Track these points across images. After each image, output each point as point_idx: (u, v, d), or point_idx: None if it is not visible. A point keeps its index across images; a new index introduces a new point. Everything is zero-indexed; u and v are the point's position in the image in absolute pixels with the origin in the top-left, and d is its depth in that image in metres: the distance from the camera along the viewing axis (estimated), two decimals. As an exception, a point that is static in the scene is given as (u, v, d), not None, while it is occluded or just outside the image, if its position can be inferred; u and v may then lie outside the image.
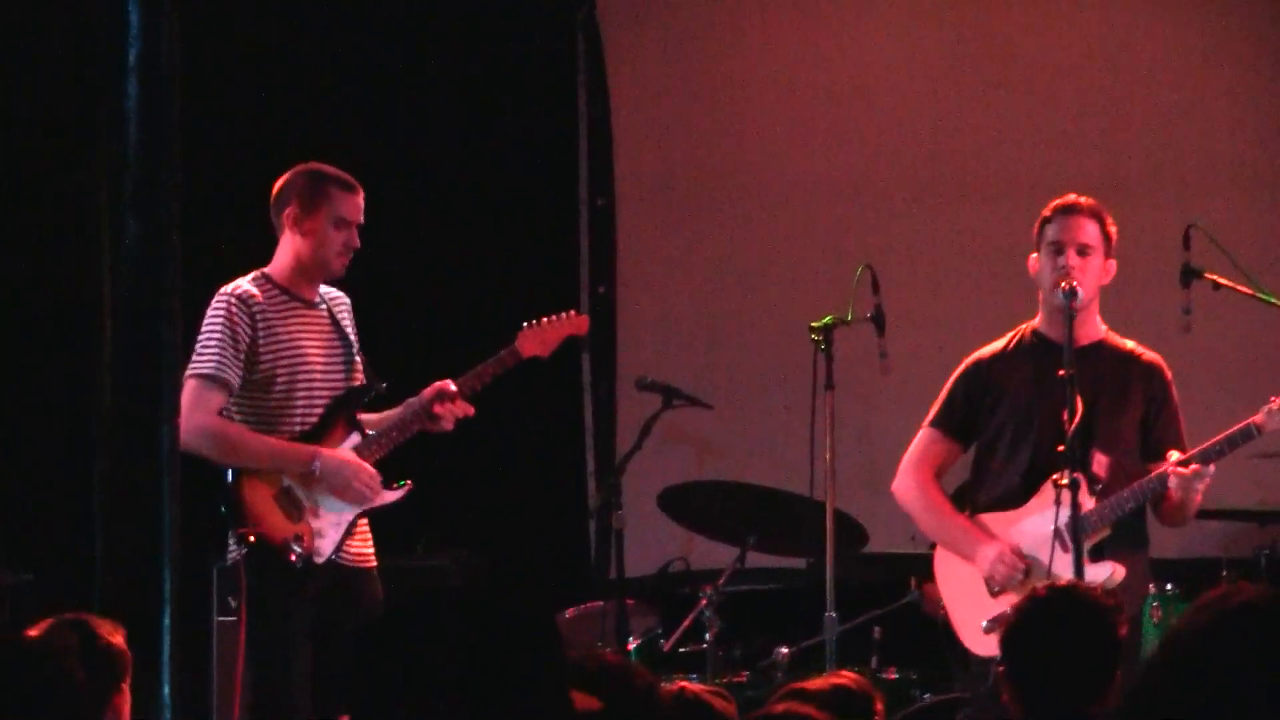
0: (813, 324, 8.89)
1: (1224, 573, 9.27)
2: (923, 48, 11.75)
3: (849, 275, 9.02)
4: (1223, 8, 11.61)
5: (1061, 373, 8.19)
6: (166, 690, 7.27)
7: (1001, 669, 5.24)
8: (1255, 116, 11.46)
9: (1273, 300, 8.55)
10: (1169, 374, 8.46)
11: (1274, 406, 8.08)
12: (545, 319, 9.02)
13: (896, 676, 9.08)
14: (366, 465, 8.57)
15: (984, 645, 8.02)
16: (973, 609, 8.29)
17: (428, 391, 8.65)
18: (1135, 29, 11.61)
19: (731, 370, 10.81)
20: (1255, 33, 11.55)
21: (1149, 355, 8.45)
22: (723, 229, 11.72)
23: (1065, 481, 8.04)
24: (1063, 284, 8.22)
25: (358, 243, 8.68)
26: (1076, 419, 8.12)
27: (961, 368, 8.58)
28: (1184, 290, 8.62)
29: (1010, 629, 5.23)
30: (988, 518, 8.44)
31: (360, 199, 8.69)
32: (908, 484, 8.62)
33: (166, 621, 7.29)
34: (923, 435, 8.60)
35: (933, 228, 11.21)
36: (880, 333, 8.83)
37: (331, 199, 8.62)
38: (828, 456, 8.83)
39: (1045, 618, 4.93)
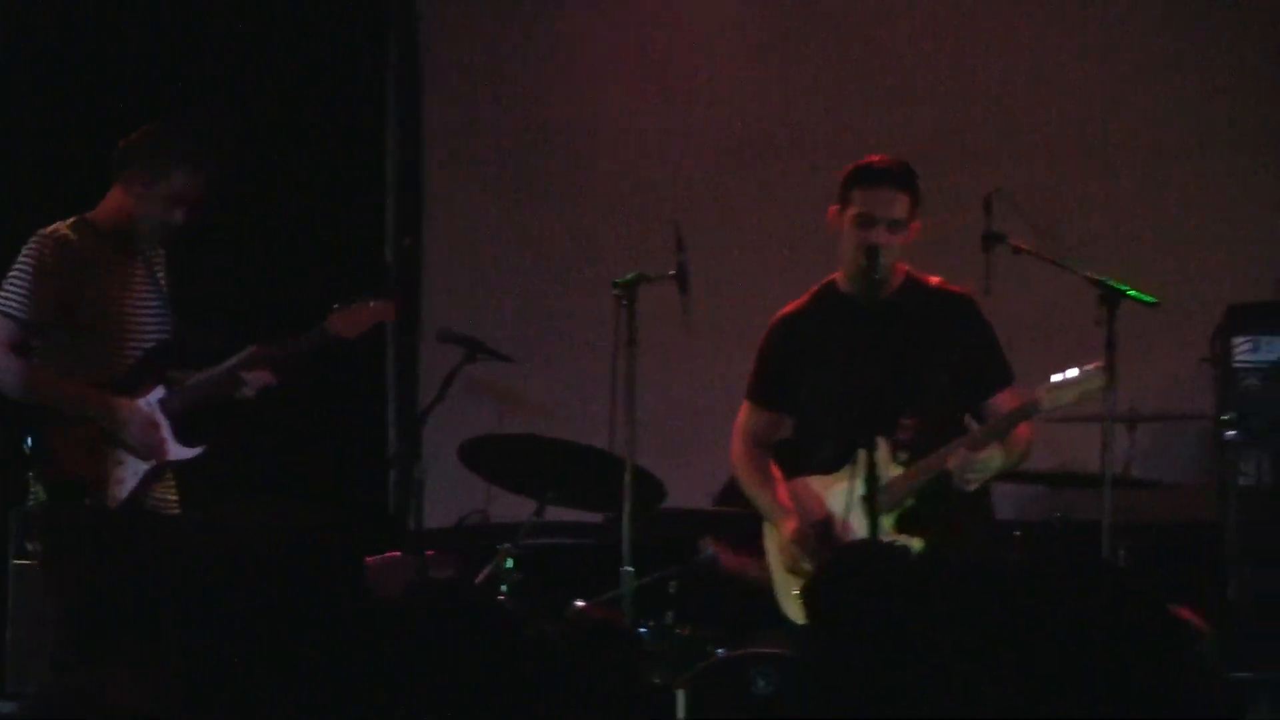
0: (616, 280, 8.89)
1: (1017, 534, 9.30)
2: (733, 13, 11.76)
3: (656, 233, 9.03)
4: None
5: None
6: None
7: None
8: (1056, 89, 11.57)
9: (1069, 265, 8.60)
10: (978, 306, 8.47)
11: (1053, 383, 8.11)
12: (356, 304, 9.00)
13: (691, 633, 9.07)
14: (154, 420, 8.53)
15: (797, 612, 8.08)
16: (787, 576, 8.32)
17: (240, 357, 8.62)
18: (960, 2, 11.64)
19: (536, 325, 10.83)
20: (1055, 7, 11.60)
21: (956, 291, 8.46)
22: (532, 185, 11.75)
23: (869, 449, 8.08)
24: (864, 261, 8.27)
25: (185, 218, 8.64)
26: (877, 382, 8.19)
27: (766, 333, 8.59)
28: (985, 254, 8.66)
29: (806, 588, 5.26)
30: (810, 480, 8.45)
31: (203, 178, 8.66)
32: (732, 457, 8.73)
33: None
34: (742, 408, 8.66)
35: (739, 188, 11.23)
36: (683, 291, 8.81)
37: (172, 180, 8.59)
38: (628, 413, 8.83)
39: (834, 575, 4.94)
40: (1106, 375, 8.15)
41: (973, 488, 8.20)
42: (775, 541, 8.51)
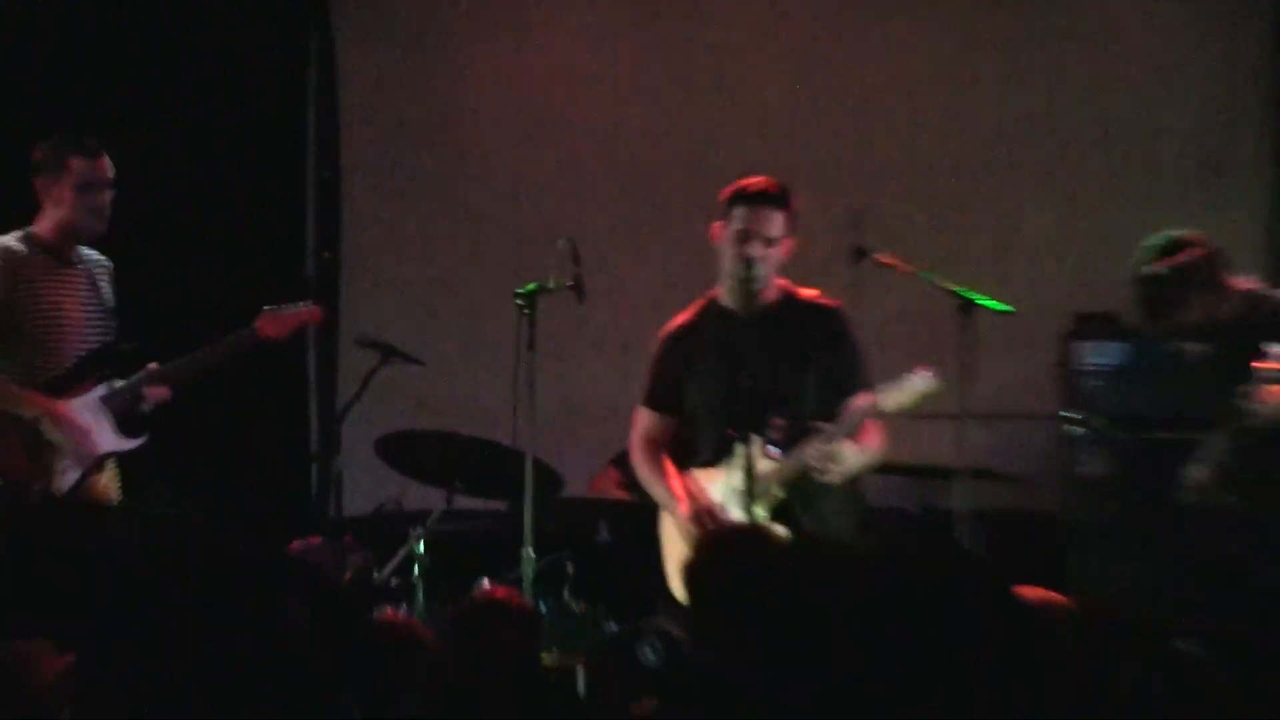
0: (517, 290, 8.91)
1: (881, 524, 9.35)
2: (623, 56, 11.83)
3: (554, 249, 9.03)
4: (893, 27, 11.65)
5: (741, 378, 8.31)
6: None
7: None
8: (921, 120, 11.58)
9: (928, 277, 8.65)
10: (846, 318, 8.53)
11: (886, 388, 8.21)
12: (284, 306, 9.14)
13: (586, 609, 9.12)
14: (86, 419, 8.61)
15: (682, 592, 8.17)
16: (676, 560, 8.39)
17: (138, 376, 8.76)
18: (820, 38, 11.72)
19: (445, 331, 10.86)
20: (920, 46, 11.71)
21: (827, 305, 8.54)
22: (442, 203, 11.83)
23: (742, 446, 8.21)
24: (743, 273, 8.34)
25: (105, 201, 8.71)
26: (751, 386, 8.27)
27: (656, 345, 8.69)
28: (853, 266, 8.69)
29: (685, 568, 5.24)
30: (698, 474, 8.54)
31: (102, 161, 8.73)
32: (632, 457, 8.80)
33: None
34: (639, 413, 8.72)
35: (629, 209, 11.28)
36: (580, 300, 8.85)
37: (71, 168, 8.64)
38: (529, 410, 8.85)
39: (709, 556, 4.92)
40: (938, 379, 8.23)
41: (833, 480, 8.27)
42: (669, 528, 8.60)
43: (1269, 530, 8.23)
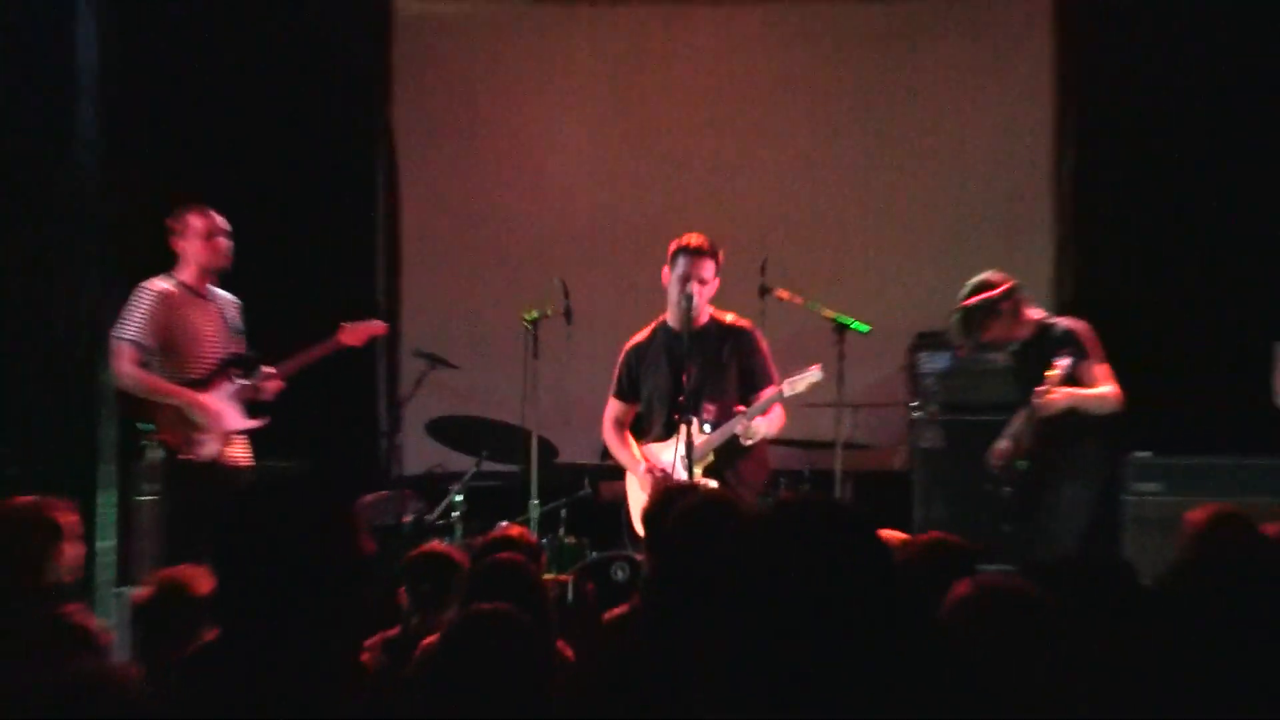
0: (525, 315, 8.94)
1: (781, 480, 9.36)
2: (604, 142, 11.73)
3: (554, 284, 9.03)
4: (789, 125, 11.58)
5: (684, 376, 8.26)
6: (104, 545, 7.19)
7: None
8: (811, 189, 11.54)
9: (813, 306, 8.67)
10: (756, 334, 8.66)
11: (787, 380, 8.40)
12: (360, 321, 9.18)
13: (575, 541, 9.12)
14: (222, 405, 8.66)
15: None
16: (637, 506, 8.48)
17: (261, 373, 8.77)
18: (739, 136, 11.64)
19: (474, 344, 10.74)
20: (809, 136, 11.64)
21: (740, 323, 8.64)
22: (473, 250, 11.64)
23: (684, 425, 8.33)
24: (684, 304, 8.45)
25: (224, 246, 8.75)
26: (690, 383, 8.33)
27: (622, 353, 8.84)
28: (760, 300, 8.71)
29: (644, 512, 5.24)
30: (652, 446, 8.64)
31: (218, 218, 8.74)
32: (602, 433, 8.86)
33: (107, 497, 7.21)
34: (608, 401, 8.82)
35: (607, 256, 11.21)
36: (568, 322, 8.88)
37: (196, 227, 8.69)
38: (533, 400, 8.88)
39: (661, 502, 4.91)
40: (823, 374, 8.41)
41: (749, 444, 8.43)
42: (632, 484, 8.72)
43: (1047, 487, 8.26)
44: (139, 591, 5.67)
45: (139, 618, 5.26)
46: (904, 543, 6.05)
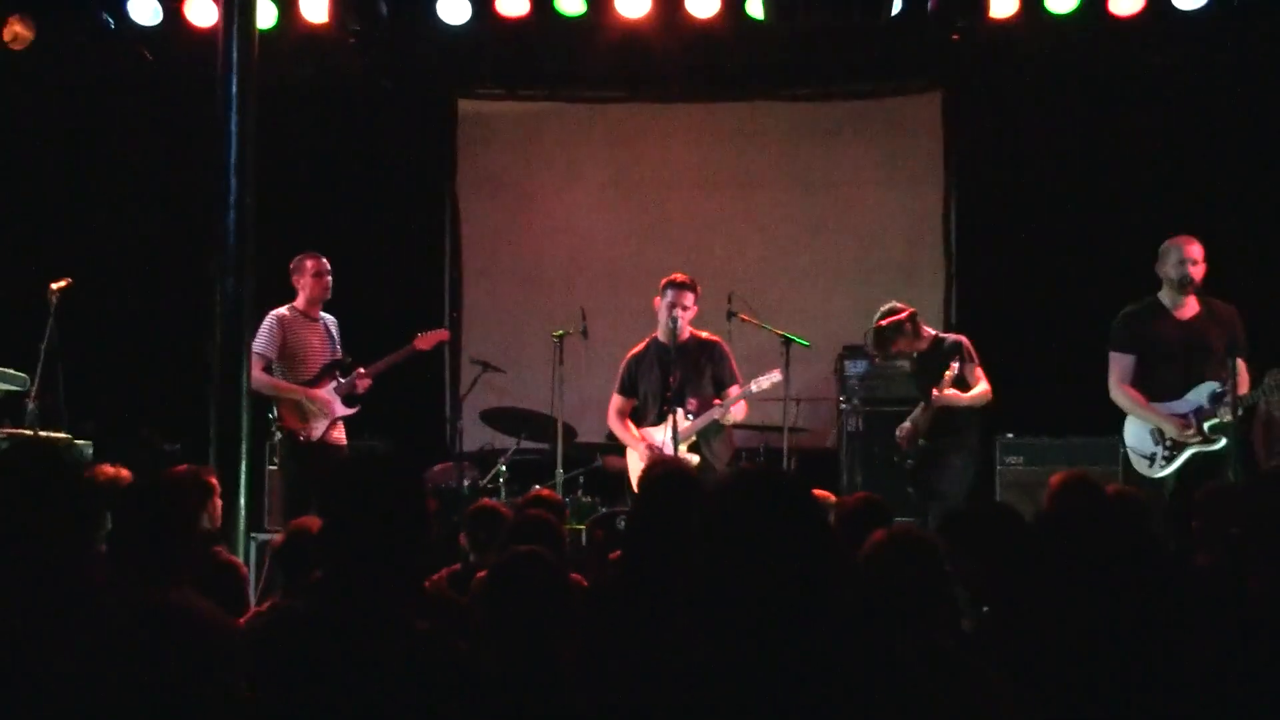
0: (554, 333, 8.93)
1: (742, 455, 9.34)
2: (610, 202, 11.75)
3: (575, 310, 9.03)
4: (746, 191, 11.54)
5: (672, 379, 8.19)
6: (241, 502, 7.16)
7: None
8: (763, 240, 11.54)
9: (768, 327, 8.68)
10: (724, 346, 8.64)
11: (751, 382, 8.38)
12: (431, 330, 9.11)
13: (589, 500, 9.11)
14: (329, 397, 8.65)
15: None
16: (636, 473, 8.47)
17: (351, 378, 8.73)
18: (713, 195, 11.63)
19: (517, 354, 10.68)
20: (770, 185, 11.62)
21: (713, 339, 8.64)
22: (515, 283, 11.64)
23: (675, 413, 8.30)
24: (671, 325, 8.45)
25: (328, 283, 8.81)
26: (675, 383, 8.31)
27: (624, 361, 8.85)
28: (728, 321, 8.72)
29: (641, 477, 5.20)
30: (647, 429, 8.57)
31: (324, 261, 8.80)
32: (608, 421, 8.76)
33: (244, 466, 7.19)
34: (612, 397, 8.75)
35: (614, 289, 11.16)
36: (585, 339, 8.95)
37: (308, 268, 8.75)
38: (559, 396, 8.83)
39: (656, 471, 4.86)
40: (780, 377, 8.40)
41: (724, 426, 8.50)
42: (632, 457, 8.64)
43: (939, 460, 8.23)
44: (277, 536, 5.66)
45: (277, 556, 5.23)
46: (841, 500, 6.04)
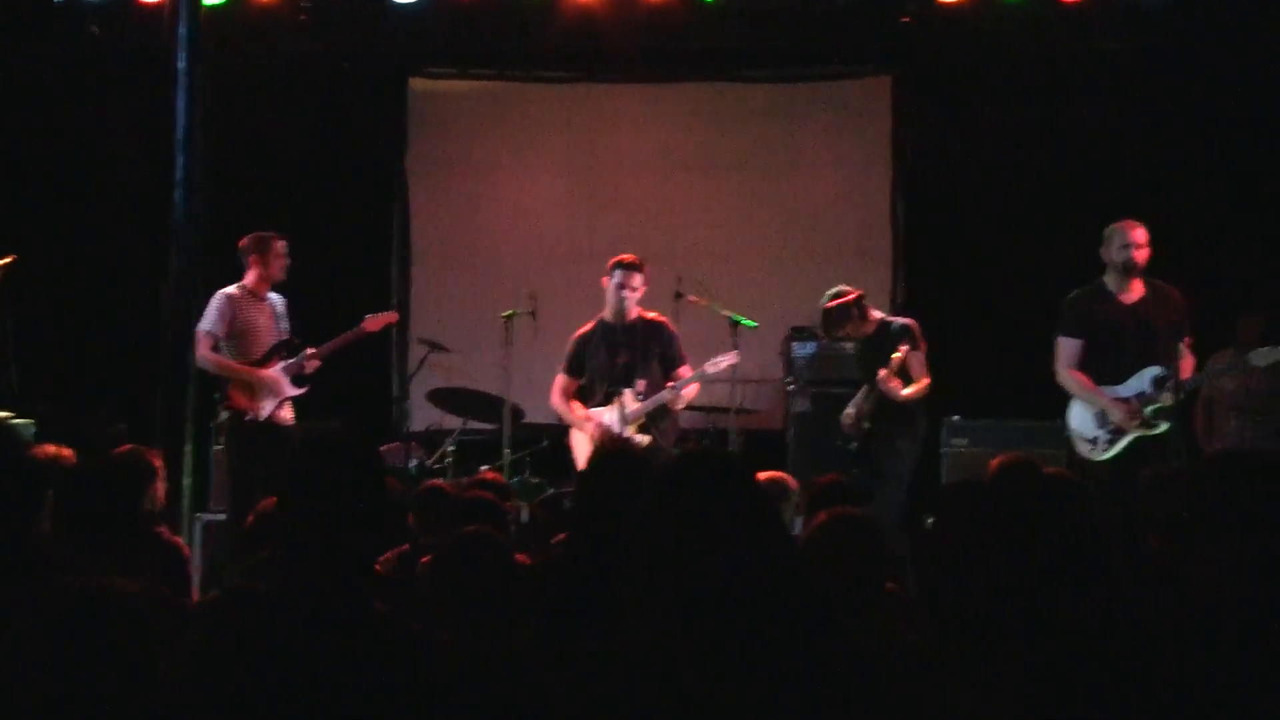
0: (503, 313, 8.93)
1: (690, 436, 9.36)
2: (564, 183, 11.69)
3: (525, 290, 9.03)
4: (695, 175, 11.54)
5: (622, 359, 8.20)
6: (186, 482, 7.14)
7: None
8: (713, 222, 11.53)
9: (715, 308, 8.73)
10: (671, 327, 8.65)
11: (706, 364, 8.42)
12: (381, 313, 9.05)
13: (538, 480, 9.09)
14: (278, 377, 8.57)
15: None
16: (582, 453, 8.47)
17: (301, 356, 8.65)
18: (666, 175, 11.62)
19: (465, 334, 10.55)
20: (721, 167, 11.61)
21: (660, 319, 8.64)
22: (465, 263, 11.57)
23: (618, 393, 8.36)
24: (619, 305, 8.49)
25: (284, 264, 8.70)
26: (622, 364, 8.34)
27: (571, 341, 8.83)
28: (676, 302, 8.74)
29: (589, 459, 5.21)
30: (593, 410, 8.56)
31: (283, 242, 8.70)
32: (551, 400, 8.77)
33: (189, 447, 7.16)
34: (558, 377, 8.74)
35: (564, 267, 11.11)
36: (534, 319, 8.90)
37: (278, 251, 8.65)
38: (507, 375, 8.86)
39: (604, 450, 4.86)
40: (738, 359, 8.45)
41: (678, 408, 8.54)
42: (578, 437, 8.63)
43: (884, 442, 8.27)
44: (250, 518, 5.63)
45: (244, 536, 5.22)
46: (810, 480, 6.06)
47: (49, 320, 10.57)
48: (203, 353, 8.31)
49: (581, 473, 4.94)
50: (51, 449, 5.28)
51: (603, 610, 3.76)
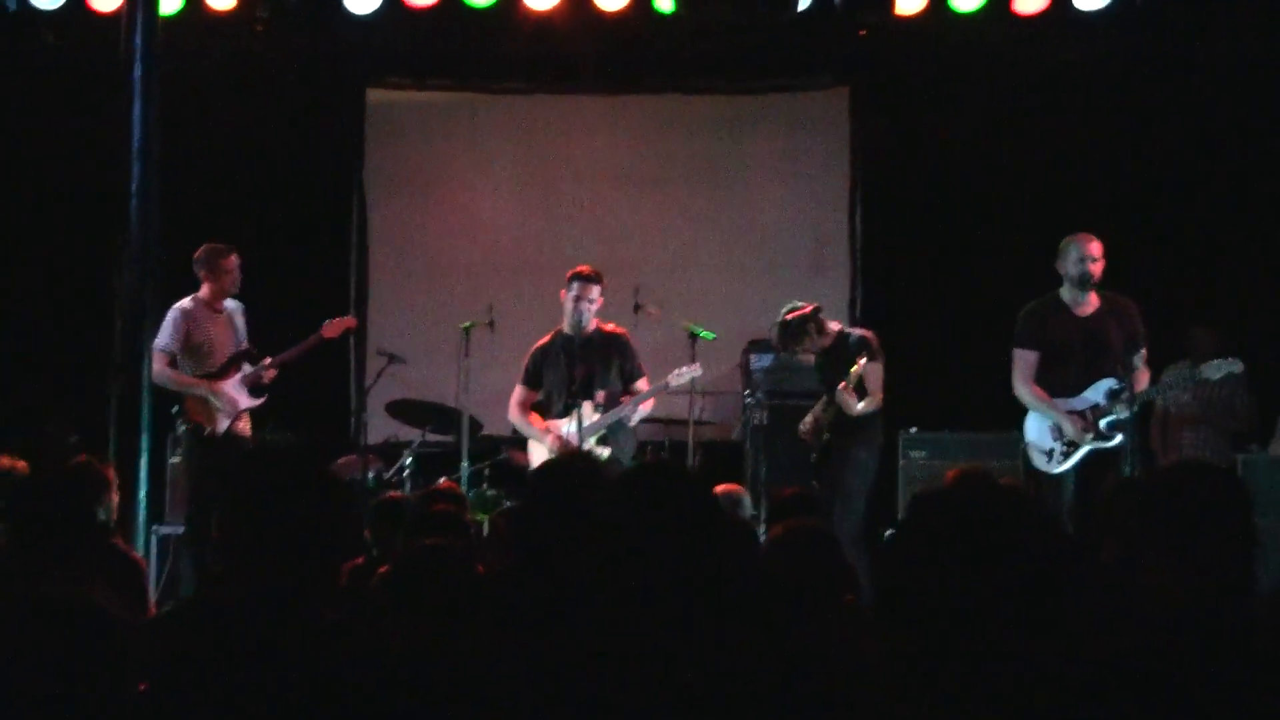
0: (461, 324, 8.93)
1: (648, 447, 9.37)
2: (523, 198, 11.67)
3: (482, 303, 9.03)
4: (657, 190, 11.56)
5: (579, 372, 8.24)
6: (142, 495, 7.11)
7: None
8: (672, 235, 11.55)
9: (674, 320, 8.76)
10: (629, 338, 8.71)
11: (670, 375, 8.49)
12: (338, 318, 9.05)
13: (494, 492, 9.09)
14: (234, 390, 8.60)
15: None
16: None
17: (258, 367, 8.68)
18: (622, 186, 11.64)
19: (423, 345, 10.51)
20: (678, 178, 11.63)
21: (617, 331, 8.68)
22: (423, 274, 11.55)
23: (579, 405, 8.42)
24: (576, 319, 8.56)
25: (237, 277, 8.76)
26: (581, 376, 8.37)
27: (529, 353, 8.82)
28: (634, 314, 8.76)
29: (540, 469, 5.21)
30: (553, 421, 8.58)
31: (236, 256, 8.76)
32: (509, 413, 8.81)
33: (144, 459, 7.13)
34: (515, 388, 8.77)
35: (522, 282, 11.03)
36: (492, 331, 8.94)
37: (233, 265, 8.65)
38: (464, 388, 8.84)
39: (563, 460, 4.86)
40: (701, 371, 8.52)
41: (631, 424, 8.52)
42: (536, 448, 8.67)
43: (842, 453, 8.29)
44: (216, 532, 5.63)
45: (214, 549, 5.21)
46: (733, 492, 6.09)
47: (6, 331, 10.51)
48: (159, 369, 8.29)
49: (529, 477, 4.95)
50: (5, 461, 5.27)
51: (554, 619, 3.77)
